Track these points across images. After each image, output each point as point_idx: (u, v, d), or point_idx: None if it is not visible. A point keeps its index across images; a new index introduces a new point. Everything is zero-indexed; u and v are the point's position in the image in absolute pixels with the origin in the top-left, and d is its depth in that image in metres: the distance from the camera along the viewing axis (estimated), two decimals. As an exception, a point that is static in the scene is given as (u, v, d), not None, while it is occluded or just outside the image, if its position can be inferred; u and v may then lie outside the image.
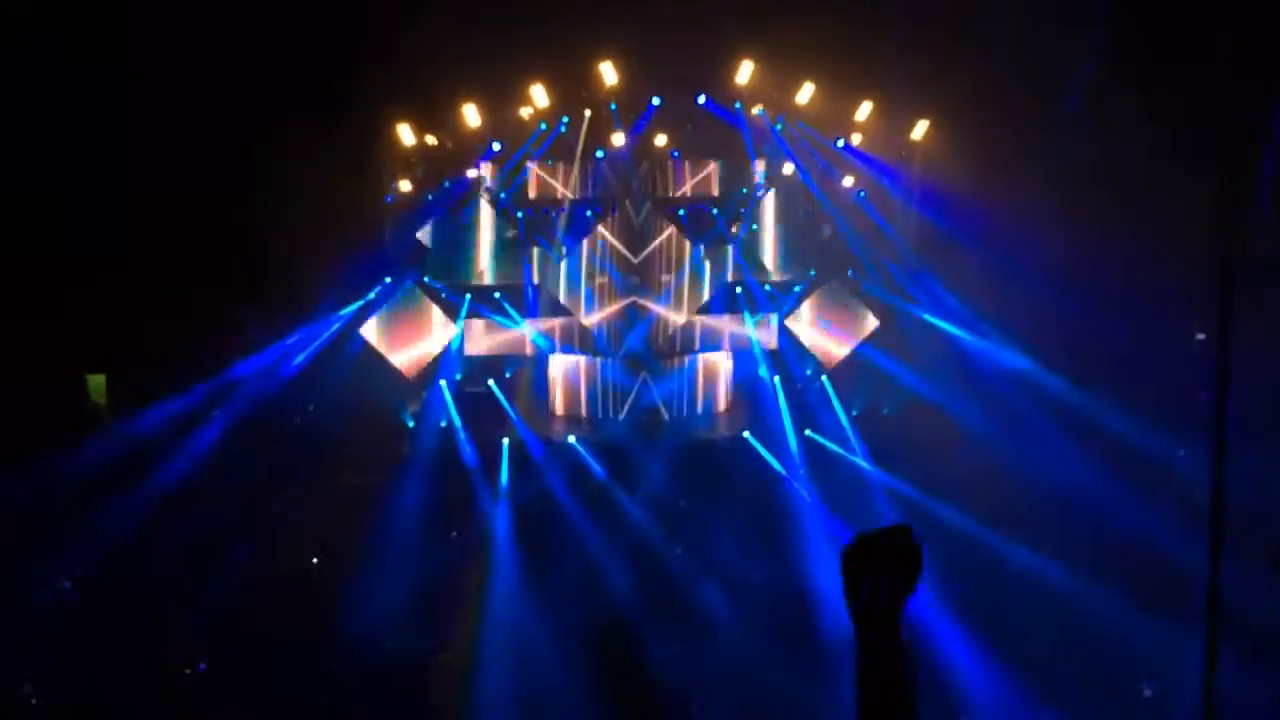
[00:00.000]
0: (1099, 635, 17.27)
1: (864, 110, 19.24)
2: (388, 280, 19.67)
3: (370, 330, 19.66)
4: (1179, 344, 17.76)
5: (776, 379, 19.89)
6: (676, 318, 20.06)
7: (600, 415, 20.12)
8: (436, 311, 20.04)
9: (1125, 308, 17.36)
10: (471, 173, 19.63)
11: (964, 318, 19.23)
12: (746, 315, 19.92)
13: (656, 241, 19.96)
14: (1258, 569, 16.01)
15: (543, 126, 19.25)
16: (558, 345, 20.04)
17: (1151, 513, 17.00)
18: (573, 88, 19.15)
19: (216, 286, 17.95)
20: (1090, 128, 17.22)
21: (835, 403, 19.79)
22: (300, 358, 19.33)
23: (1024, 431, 18.19)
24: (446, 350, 19.92)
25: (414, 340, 19.95)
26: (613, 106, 19.16)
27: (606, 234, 19.96)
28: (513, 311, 19.84)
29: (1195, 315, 17.61)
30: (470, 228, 20.14)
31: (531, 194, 20.05)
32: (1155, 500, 17.16)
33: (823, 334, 20.13)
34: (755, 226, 20.26)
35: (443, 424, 19.67)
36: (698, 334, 20.13)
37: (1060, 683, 17.00)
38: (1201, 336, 17.97)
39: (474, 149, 19.40)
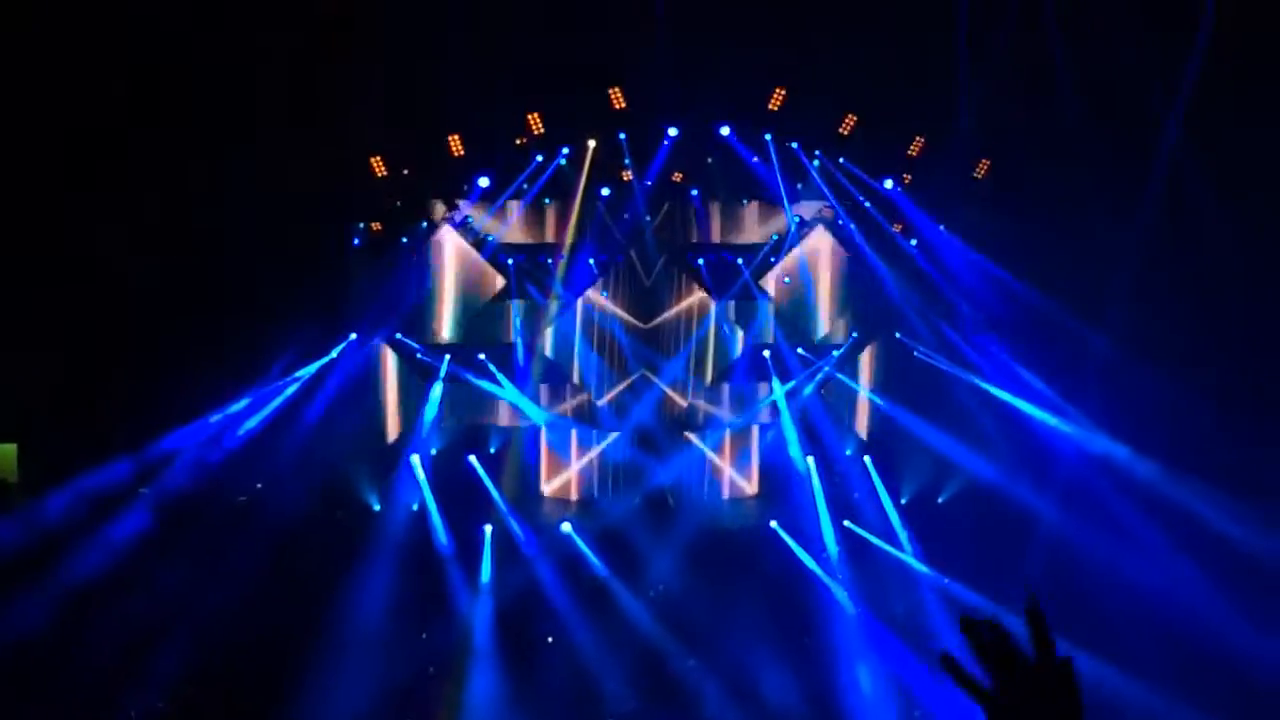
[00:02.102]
0: None
1: (916, 147, 18.71)
2: (353, 337, 18.76)
3: (331, 396, 18.61)
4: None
5: (810, 459, 18.97)
6: (693, 385, 19.40)
7: (600, 498, 19.31)
8: (409, 374, 19.28)
9: (1223, 385, 16.74)
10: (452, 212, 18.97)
11: (1034, 391, 18.39)
12: (776, 383, 19.08)
13: (670, 296, 19.33)
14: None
15: (538, 158, 18.49)
16: (550, 415, 19.27)
17: (1253, 625, 16.06)
18: (575, 113, 18.49)
19: (150, 342, 17.23)
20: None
21: (879, 488, 18.92)
22: (247, 426, 18.34)
23: (1104, 526, 17.24)
24: (420, 419, 19.05)
25: (382, 408, 19.26)
26: (621, 136, 18.54)
27: (611, 286, 19.35)
28: (499, 375, 19.01)
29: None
30: (451, 277, 19.33)
31: (523, 238, 19.36)
32: (1258, 611, 16.18)
33: (865, 406, 19.41)
34: (787, 280, 19.53)
35: (414, 506, 18.78)
36: (718, 405, 19.43)
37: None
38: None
39: (457, 185, 18.74)
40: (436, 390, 19.04)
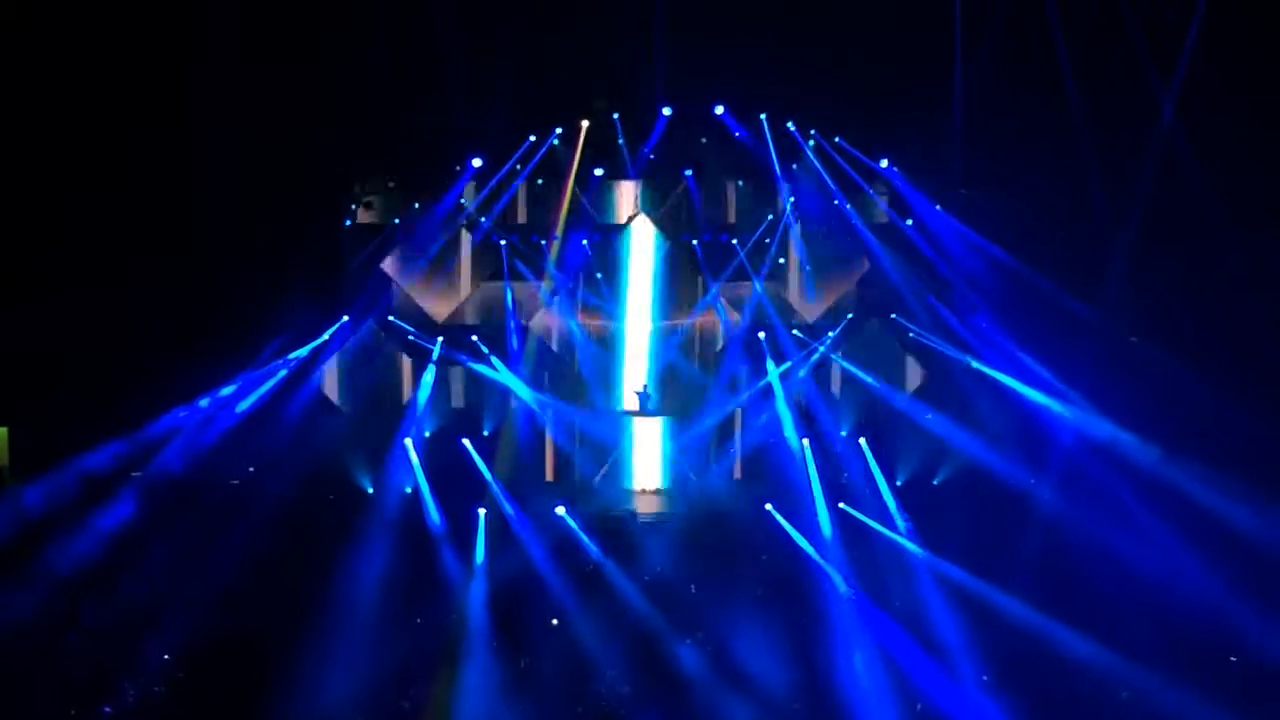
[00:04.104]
0: None
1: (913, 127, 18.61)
2: (345, 319, 18.97)
3: (325, 378, 19.08)
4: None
5: (805, 441, 18.91)
6: (688, 368, 19.52)
7: (596, 481, 19.40)
8: (403, 356, 19.48)
9: (1227, 367, 16.77)
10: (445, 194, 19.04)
11: (1030, 372, 18.38)
12: (770, 364, 19.15)
13: (665, 277, 19.48)
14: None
15: (531, 138, 18.70)
16: (546, 398, 19.37)
17: (1251, 607, 16.15)
18: (568, 91, 18.62)
19: (142, 325, 17.48)
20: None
21: (875, 470, 18.90)
22: (240, 409, 18.54)
23: (1103, 510, 17.26)
24: (413, 402, 19.20)
25: (375, 390, 19.45)
26: (615, 115, 18.75)
27: (604, 268, 19.49)
28: (493, 358, 19.15)
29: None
30: (445, 259, 19.54)
31: (520, 219, 19.53)
32: (1257, 593, 16.23)
33: (861, 387, 19.44)
34: (783, 260, 19.64)
35: (408, 490, 18.82)
36: (713, 387, 19.44)
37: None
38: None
39: (450, 166, 18.88)
40: (429, 373, 19.10)
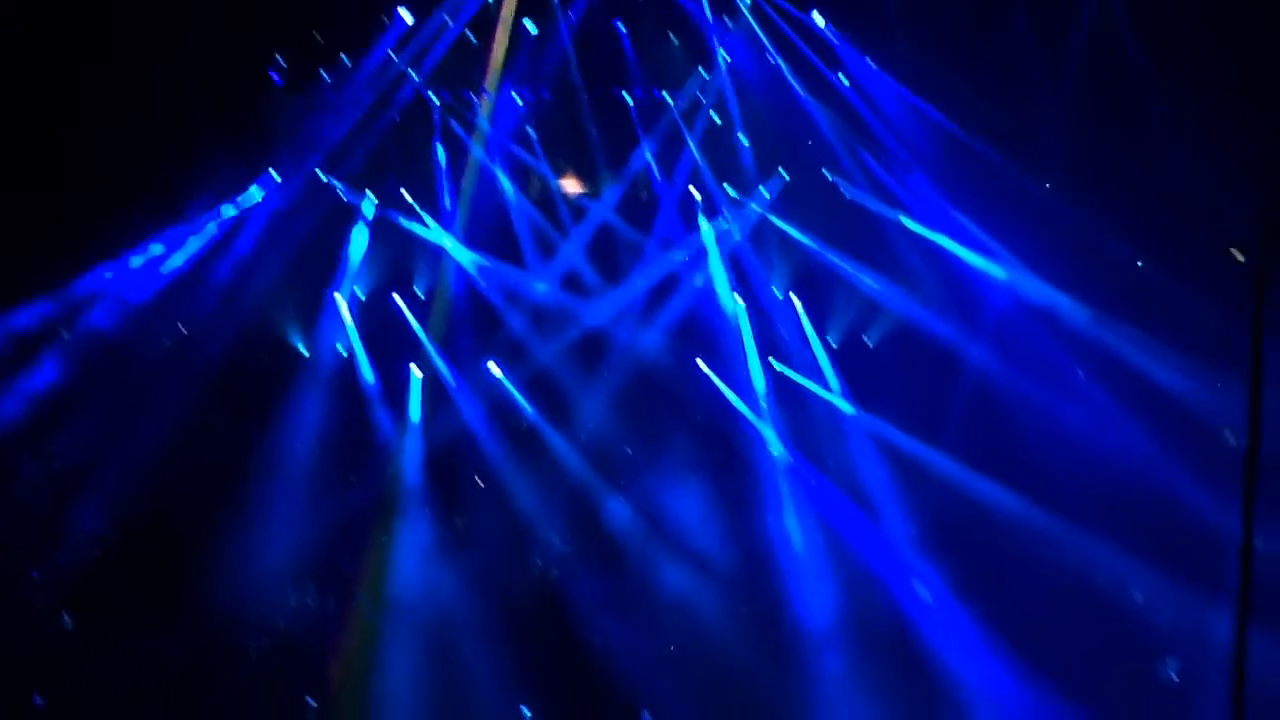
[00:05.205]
0: (1117, 607, 16.87)
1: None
2: (275, 176, 18.69)
3: (254, 235, 18.64)
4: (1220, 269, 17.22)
5: (738, 299, 19.03)
6: (621, 226, 19.25)
7: (529, 340, 19.15)
8: (333, 213, 18.99)
9: (1157, 226, 16.90)
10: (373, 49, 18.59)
11: (967, 234, 18.33)
12: (705, 224, 19.07)
13: (598, 136, 19.11)
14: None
15: None
16: (478, 256, 19.11)
17: (1182, 467, 16.58)
18: None
19: (68, 181, 17.11)
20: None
21: (808, 329, 18.95)
22: (170, 267, 18.32)
23: (1034, 369, 17.59)
24: (345, 259, 18.97)
25: (306, 249, 18.91)
26: None
27: (537, 127, 19.16)
28: (425, 215, 18.95)
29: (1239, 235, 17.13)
30: (374, 116, 18.99)
31: (449, 76, 19.01)
32: (1187, 452, 16.68)
33: (795, 247, 19.21)
34: (719, 120, 19.34)
35: (340, 349, 18.77)
36: (646, 246, 19.23)
37: (1072, 665, 16.47)
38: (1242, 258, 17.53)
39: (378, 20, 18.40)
40: (361, 231, 18.92)
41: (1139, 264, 17.15)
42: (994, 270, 18.14)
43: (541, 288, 19.01)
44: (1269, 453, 10.45)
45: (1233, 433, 16.05)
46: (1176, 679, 16.65)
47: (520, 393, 18.75)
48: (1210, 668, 15.28)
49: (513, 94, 19.04)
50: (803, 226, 19.15)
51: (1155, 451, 16.74)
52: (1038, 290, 17.90)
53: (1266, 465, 10.26)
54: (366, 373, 18.58)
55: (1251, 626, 10.19)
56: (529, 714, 16.75)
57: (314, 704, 16.99)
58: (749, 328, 18.90)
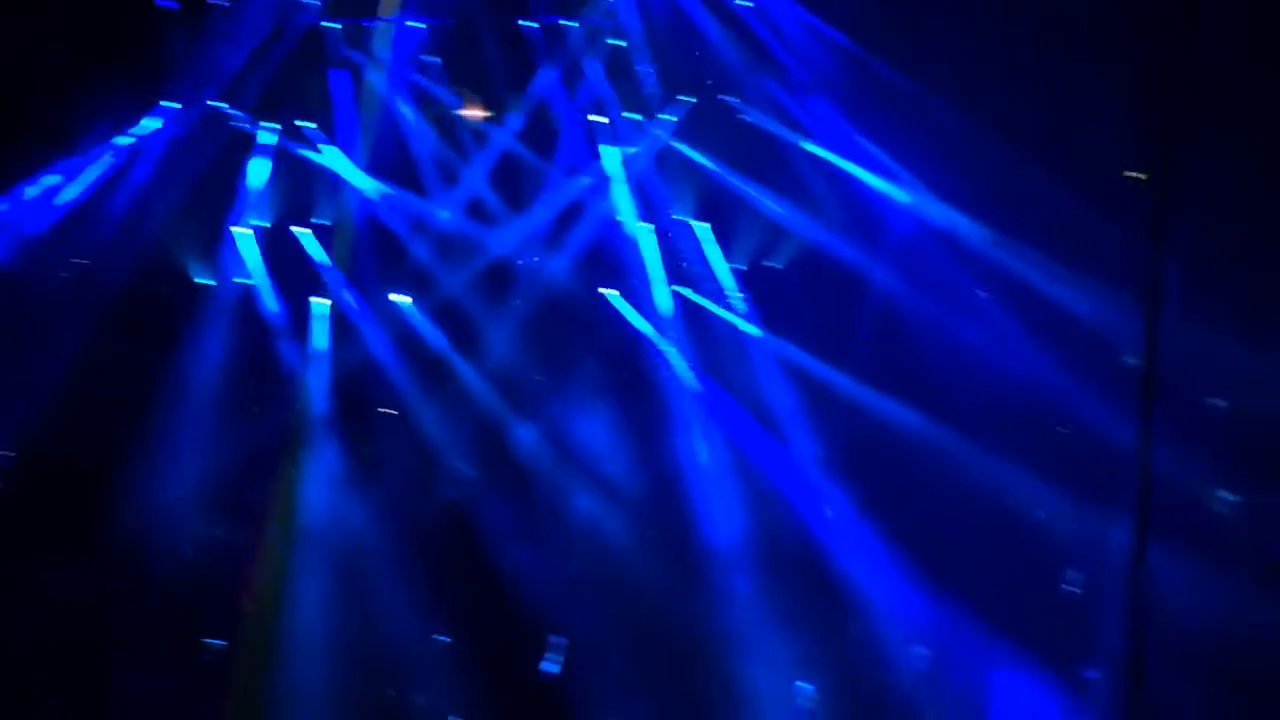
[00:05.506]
0: (1019, 523, 17.14)
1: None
2: (171, 105, 18.45)
3: (151, 165, 18.42)
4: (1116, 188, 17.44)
5: (643, 223, 18.98)
6: (524, 153, 19.14)
7: (435, 269, 19.08)
8: (231, 142, 18.78)
9: (1059, 149, 16.95)
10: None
11: (870, 157, 18.33)
12: (608, 150, 18.96)
13: (500, 62, 18.96)
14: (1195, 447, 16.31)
15: None
16: (380, 185, 18.95)
17: (1082, 386, 16.78)
18: None
19: None
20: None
21: (713, 254, 18.99)
22: (64, 199, 18.08)
23: (937, 291, 17.67)
24: (243, 189, 18.72)
25: (205, 177, 18.73)
26: None
27: (439, 54, 18.99)
28: (324, 145, 18.76)
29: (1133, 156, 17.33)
30: (271, 44, 18.76)
31: (347, 2, 18.78)
32: (1087, 371, 16.84)
33: (698, 172, 19.15)
34: (624, 43, 19.12)
35: (242, 280, 18.61)
36: (549, 173, 19.14)
37: (977, 580, 16.73)
38: (1143, 177, 17.73)
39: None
40: (260, 161, 18.68)
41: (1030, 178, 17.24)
42: (897, 193, 18.16)
43: (445, 215, 18.92)
44: (1164, 371, 10.78)
45: (1131, 352, 16.30)
46: (1078, 591, 17.04)
47: (427, 321, 18.70)
48: (1109, 579, 15.57)
49: (412, 21, 18.92)
50: (706, 151, 19.08)
51: (1056, 371, 16.96)
52: (940, 213, 17.95)
53: (1163, 383, 10.60)
54: (270, 303, 18.44)
55: (1149, 539, 10.55)
56: (442, 640, 16.92)
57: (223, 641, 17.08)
58: (655, 253, 18.87)
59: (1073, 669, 16.43)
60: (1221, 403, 16.77)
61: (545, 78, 18.91)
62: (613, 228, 19.18)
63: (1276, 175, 16.37)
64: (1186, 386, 15.59)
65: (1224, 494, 16.75)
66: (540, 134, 19.15)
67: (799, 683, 17.13)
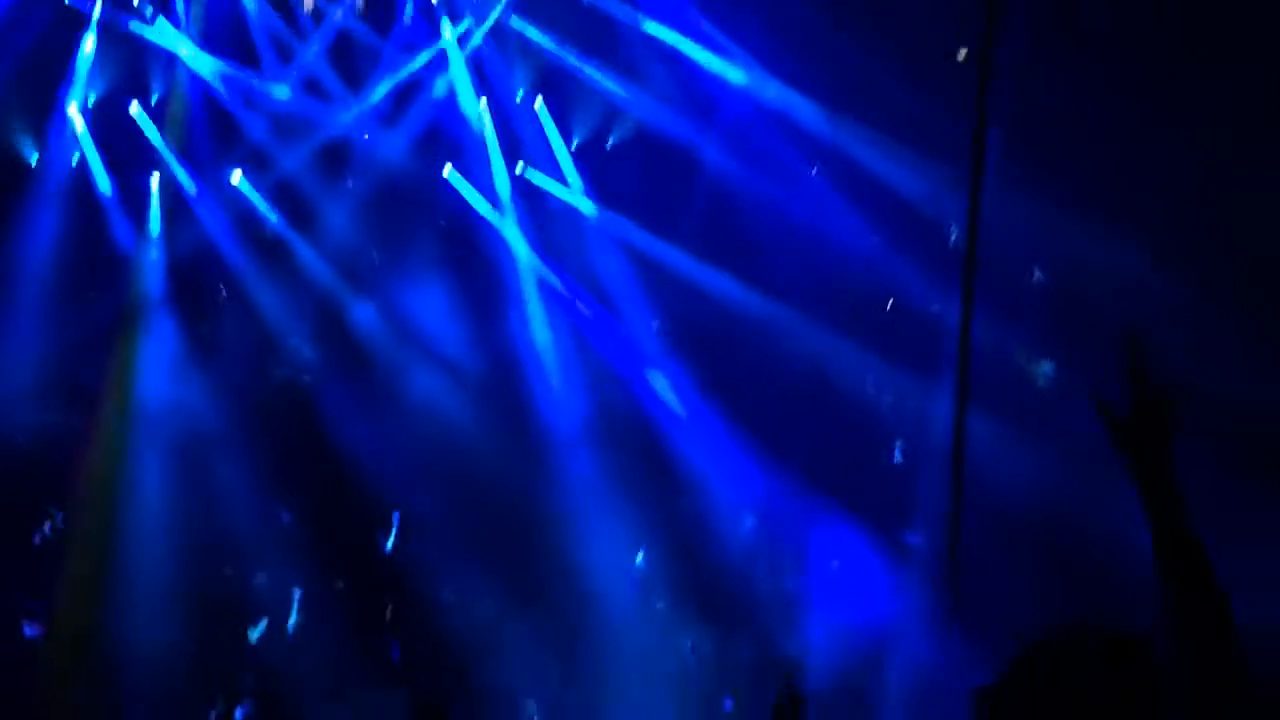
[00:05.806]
0: (848, 396, 17.51)
1: None
2: None
3: None
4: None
5: (483, 101, 18.82)
6: (361, 30, 18.73)
7: (272, 147, 18.71)
8: (61, 16, 17.89)
9: (887, 28, 16.84)
10: None
11: (705, 35, 18.22)
12: (446, 23, 18.62)
13: None
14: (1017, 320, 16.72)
15: None
16: (215, 59, 18.43)
17: (909, 262, 17.09)
18: None
19: None
20: None
21: (550, 131, 18.91)
22: None
23: (769, 169, 17.79)
24: (73, 64, 18.05)
25: (33, 54, 17.87)
26: None
27: None
28: (160, 19, 18.09)
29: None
30: None
31: None
32: (914, 246, 17.12)
33: (535, 50, 18.93)
34: None
35: (73, 158, 18.08)
36: (385, 50, 18.79)
37: (808, 451, 17.18)
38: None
39: None
40: (89, 36, 17.99)
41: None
42: (731, 72, 18.18)
43: (281, 93, 18.61)
44: (987, 248, 11.05)
45: (955, 228, 16.56)
46: (902, 459, 17.50)
47: (264, 200, 18.45)
48: (932, 448, 15.96)
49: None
50: (543, 28, 18.88)
51: (884, 247, 17.21)
52: (774, 91, 17.99)
53: (984, 260, 10.87)
54: (103, 184, 18.05)
55: (969, 410, 10.91)
56: (286, 518, 16.93)
57: (60, 522, 16.89)
58: (492, 131, 18.74)
59: (895, 533, 16.90)
60: (1042, 275, 17.14)
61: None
62: (450, 106, 18.98)
63: (1097, 49, 16.44)
64: (1010, 260, 15.92)
65: (1044, 365, 17.20)
66: (376, 11, 18.83)
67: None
